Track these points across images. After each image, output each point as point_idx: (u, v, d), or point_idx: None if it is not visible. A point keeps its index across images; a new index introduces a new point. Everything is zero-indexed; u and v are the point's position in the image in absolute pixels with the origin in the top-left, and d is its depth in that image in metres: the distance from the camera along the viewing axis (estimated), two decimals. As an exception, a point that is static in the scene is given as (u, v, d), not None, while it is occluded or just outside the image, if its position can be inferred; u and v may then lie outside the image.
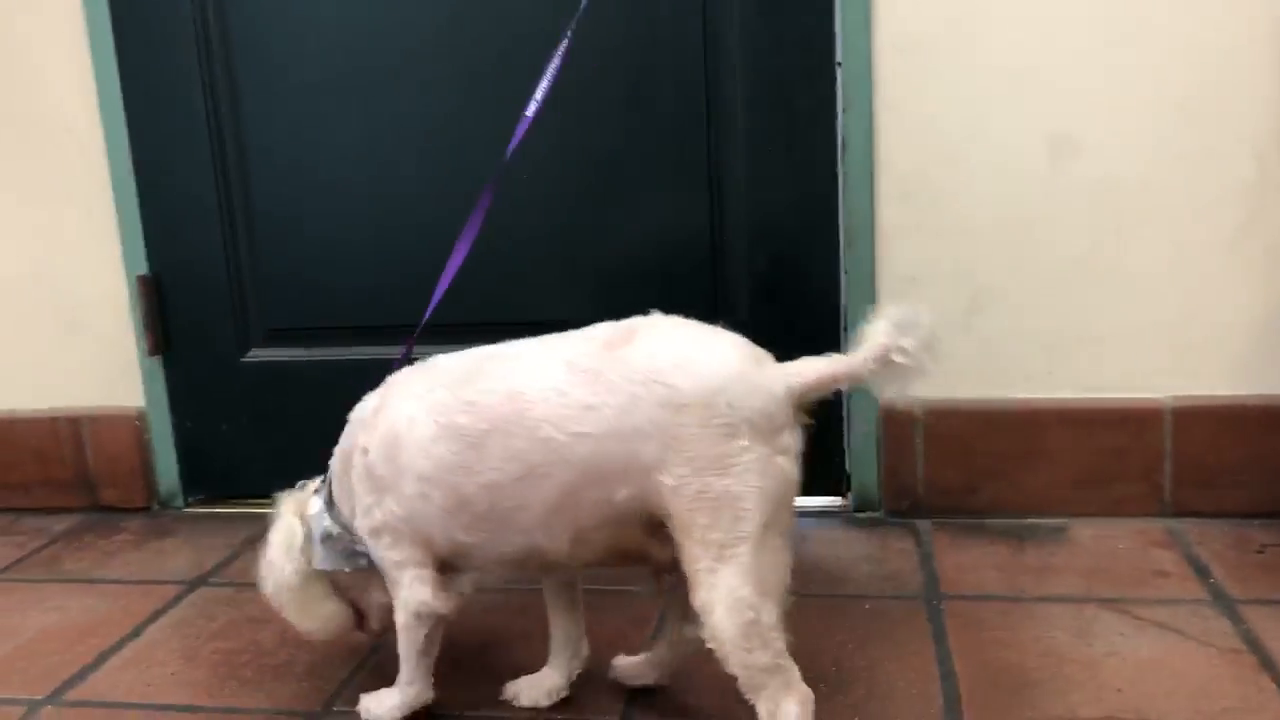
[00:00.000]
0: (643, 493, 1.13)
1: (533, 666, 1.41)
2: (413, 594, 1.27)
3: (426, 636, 1.30)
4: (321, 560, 1.34)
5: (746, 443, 1.10)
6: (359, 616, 1.41)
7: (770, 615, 1.13)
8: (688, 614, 1.19)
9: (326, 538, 1.34)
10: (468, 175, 1.94)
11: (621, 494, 1.14)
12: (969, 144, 1.79)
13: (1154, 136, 1.74)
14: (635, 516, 1.16)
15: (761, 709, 1.14)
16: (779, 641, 1.14)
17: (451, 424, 1.20)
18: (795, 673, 1.15)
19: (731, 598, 1.11)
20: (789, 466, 1.14)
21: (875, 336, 1.13)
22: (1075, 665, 1.41)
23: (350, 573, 1.35)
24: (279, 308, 2.06)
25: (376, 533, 1.28)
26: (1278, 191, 1.72)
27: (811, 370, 1.16)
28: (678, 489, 1.11)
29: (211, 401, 2.10)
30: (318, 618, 1.39)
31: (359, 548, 1.32)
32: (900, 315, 1.13)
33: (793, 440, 1.14)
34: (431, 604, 1.27)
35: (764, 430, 1.11)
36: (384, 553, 1.28)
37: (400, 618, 1.29)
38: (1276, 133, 1.71)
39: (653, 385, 1.12)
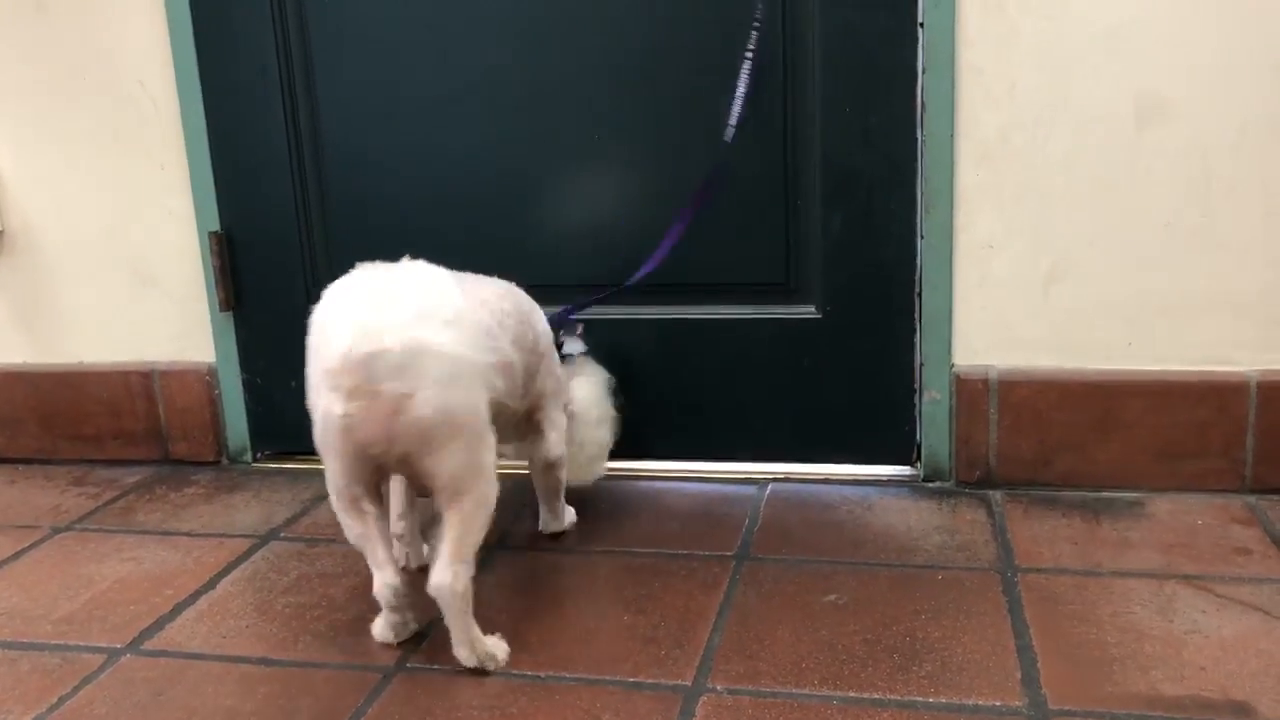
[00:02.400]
0: None
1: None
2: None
3: None
4: None
5: None
6: None
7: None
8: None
9: None
10: (545, 136, 1.93)
11: None
12: (1052, 107, 1.74)
13: (1246, 100, 1.68)
14: None
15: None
16: None
17: None
18: None
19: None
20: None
21: None
22: (1156, 642, 1.38)
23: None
24: (349, 265, 2.04)
25: None
26: (1378, 160, 1.67)
27: None
28: None
29: (281, 357, 2.11)
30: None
31: None
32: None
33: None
34: None
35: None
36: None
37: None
38: (1380, 98, 1.65)
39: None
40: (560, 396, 1.67)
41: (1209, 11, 1.67)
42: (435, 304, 1.33)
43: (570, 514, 1.80)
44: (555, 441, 1.66)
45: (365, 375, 1.25)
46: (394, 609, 1.44)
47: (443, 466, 1.31)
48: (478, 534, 1.36)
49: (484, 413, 1.35)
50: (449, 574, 1.33)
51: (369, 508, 1.38)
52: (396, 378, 1.25)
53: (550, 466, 1.68)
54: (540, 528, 1.77)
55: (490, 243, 1.98)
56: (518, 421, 1.59)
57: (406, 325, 1.27)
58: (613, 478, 1.96)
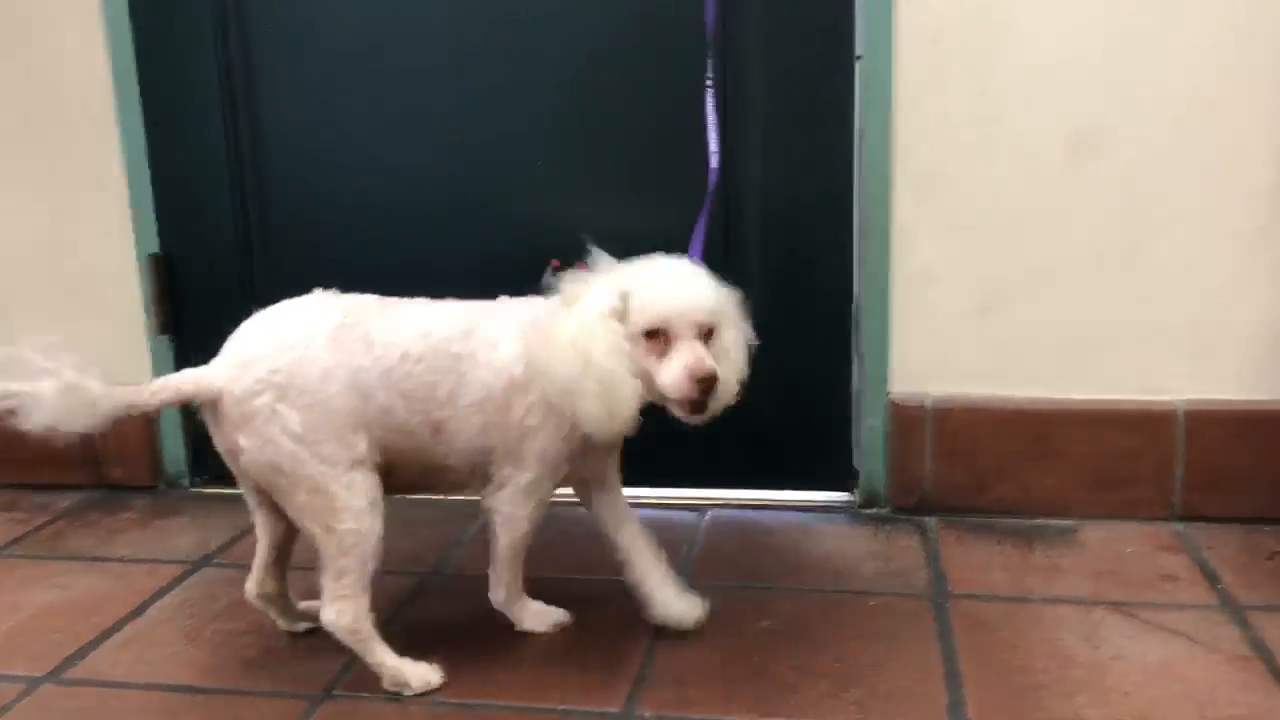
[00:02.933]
0: None
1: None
2: None
3: None
4: None
5: None
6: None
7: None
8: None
9: None
10: (482, 160, 1.94)
11: None
12: (988, 140, 1.77)
13: (1176, 137, 1.72)
14: None
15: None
16: None
17: None
18: None
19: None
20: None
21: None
22: (1081, 668, 1.39)
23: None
24: (290, 290, 2.03)
25: None
26: (1299, 195, 1.71)
27: None
28: None
29: (219, 382, 2.09)
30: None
31: None
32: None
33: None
34: None
35: None
36: None
37: None
38: (1299, 135, 1.69)
39: None
40: (522, 476, 1.44)
41: (1138, 48, 1.71)
42: (260, 350, 1.35)
43: (529, 609, 1.56)
44: (494, 494, 1.45)
45: (212, 417, 1.38)
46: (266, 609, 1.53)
47: (285, 506, 1.38)
48: (341, 571, 1.35)
49: (315, 459, 1.32)
50: (331, 612, 1.37)
51: (259, 520, 1.49)
52: (230, 423, 1.34)
53: (490, 516, 1.47)
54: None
55: (434, 266, 1.98)
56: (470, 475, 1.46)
57: (238, 367, 1.35)
58: (553, 504, 1.95)
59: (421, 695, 1.38)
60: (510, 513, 1.46)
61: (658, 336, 1.33)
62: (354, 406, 1.34)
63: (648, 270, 1.37)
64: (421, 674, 1.40)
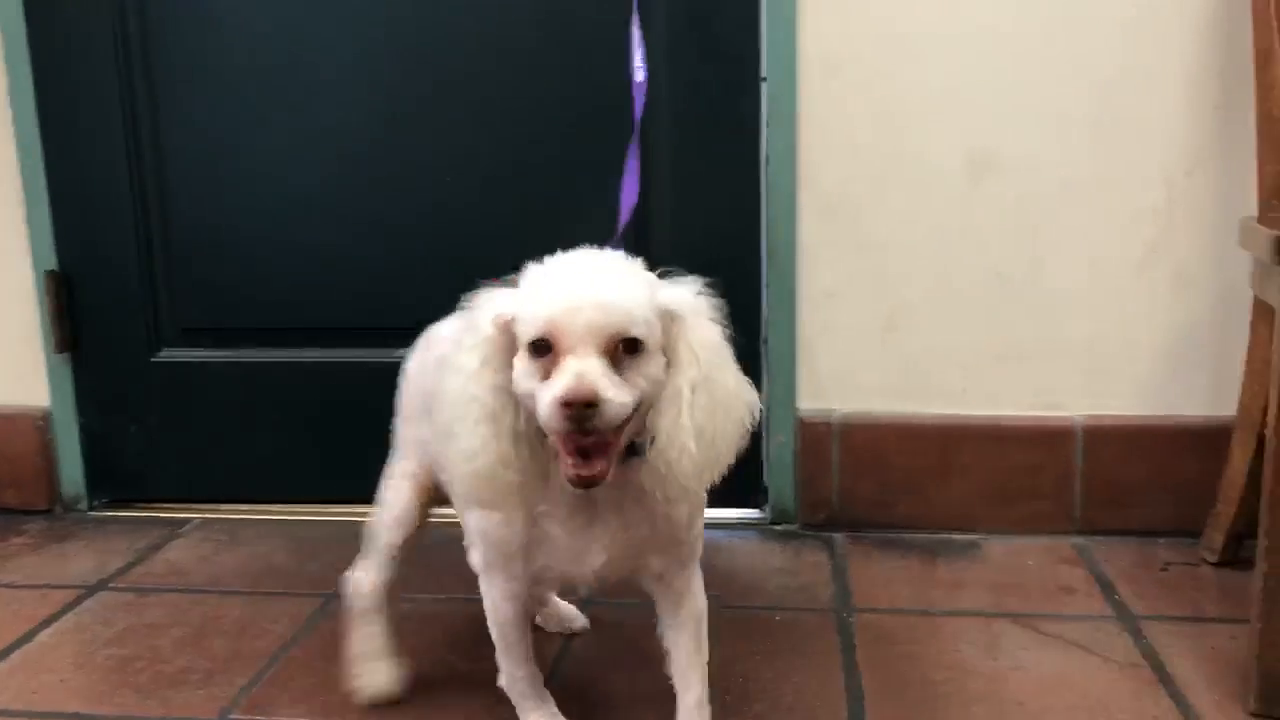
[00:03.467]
0: None
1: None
2: None
3: None
4: None
5: None
6: None
7: None
8: None
9: None
10: (388, 178, 1.92)
11: None
12: (890, 161, 1.80)
13: (1069, 158, 1.77)
14: None
15: None
16: None
17: None
18: None
19: None
20: None
21: None
22: (980, 679, 1.42)
23: None
24: (192, 307, 2.02)
25: None
26: (1185, 214, 1.76)
27: None
28: None
29: (120, 402, 2.04)
30: None
31: None
32: None
33: None
34: None
35: None
36: None
37: None
38: (1184, 157, 1.75)
39: None
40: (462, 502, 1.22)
41: (1032, 74, 1.76)
42: None
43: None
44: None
45: None
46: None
47: None
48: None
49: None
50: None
51: None
52: None
53: None
54: None
55: (339, 284, 1.96)
56: None
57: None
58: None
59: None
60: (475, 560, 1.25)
61: (545, 352, 0.99)
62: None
63: (547, 268, 1.05)
64: (377, 683, 1.38)
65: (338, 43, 1.89)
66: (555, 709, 1.30)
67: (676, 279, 1.09)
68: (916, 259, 1.83)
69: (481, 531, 1.17)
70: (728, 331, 1.09)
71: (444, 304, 1.92)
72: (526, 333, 1.01)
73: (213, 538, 1.93)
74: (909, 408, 1.87)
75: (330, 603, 1.66)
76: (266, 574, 1.78)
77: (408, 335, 1.92)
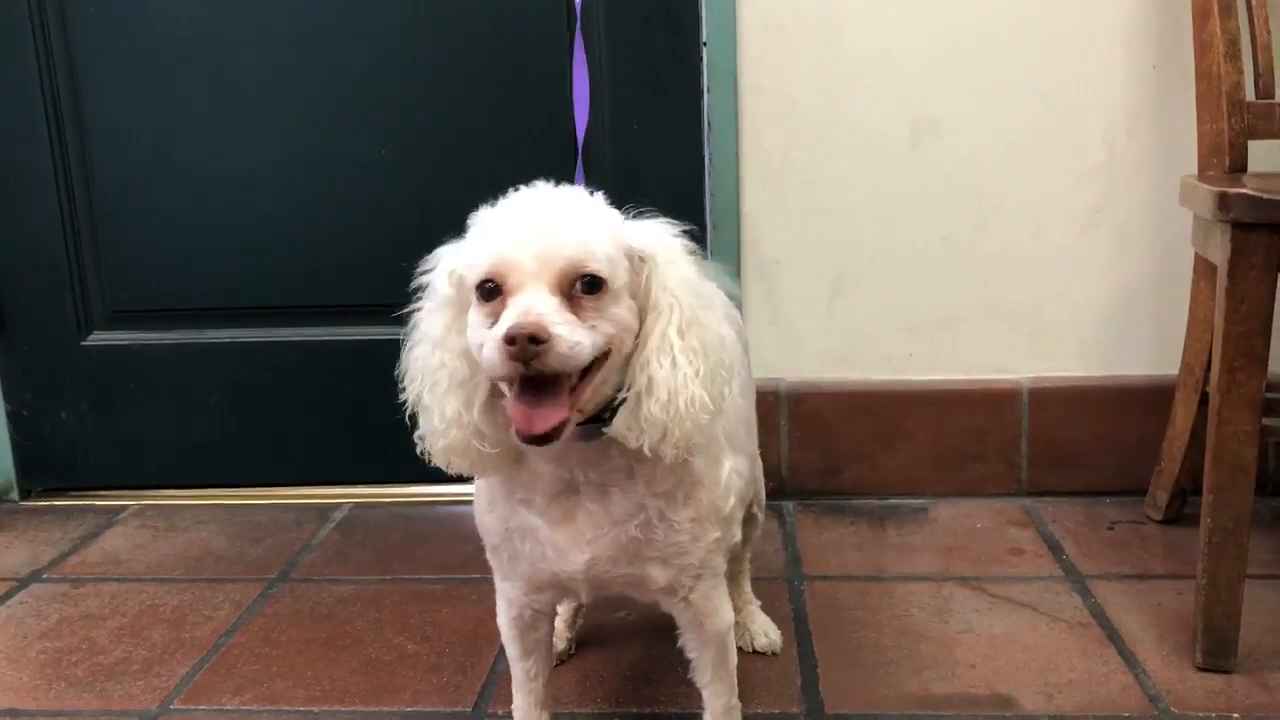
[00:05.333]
0: None
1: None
2: None
3: None
4: None
5: None
6: None
7: None
8: None
9: None
10: (321, 153, 1.87)
11: None
12: (833, 127, 1.79)
13: (1010, 121, 1.77)
14: None
15: None
16: None
17: None
18: None
19: None
20: None
21: None
22: (931, 643, 1.42)
23: None
24: (122, 289, 1.96)
25: None
26: (1126, 176, 1.77)
27: None
28: None
29: (50, 387, 1.98)
30: None
31: None
32: None
33: None
34: None
35: None
36: None
37: None
38: (1125, 119, 1.75)
39: None
40: None
41: (973, 37, 1.74)
42: None
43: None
44: None
45: None
46: None
47: None
48: None
49: None
50: None
51: None
52: None
53: None
54: None
55: (271, 265, 1.91)
56: None
57: None
58: (408, 503, 1.91)
59: (271, 708, 1.32)
60: None
61: (495, 295, 0.89)
62: None
63: (496, 207, 0.95)
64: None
65: (268, 16, 1.83)
66: None
67: (646, 218, 0.99)
68: (861, 225, 1.81)
69: (476, 521, 1.08)
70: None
71: (379, 281, 1.90)
72: (472, 277, 0.91)
73: (150, 524, 1.88)
74: (855, 375, 1.86)
75: (273, 587, 1.63)
76: (206, 560, 1.74)
77: (342, 314, 1.92)
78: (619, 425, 0.93)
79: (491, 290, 0.90)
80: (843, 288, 1.83)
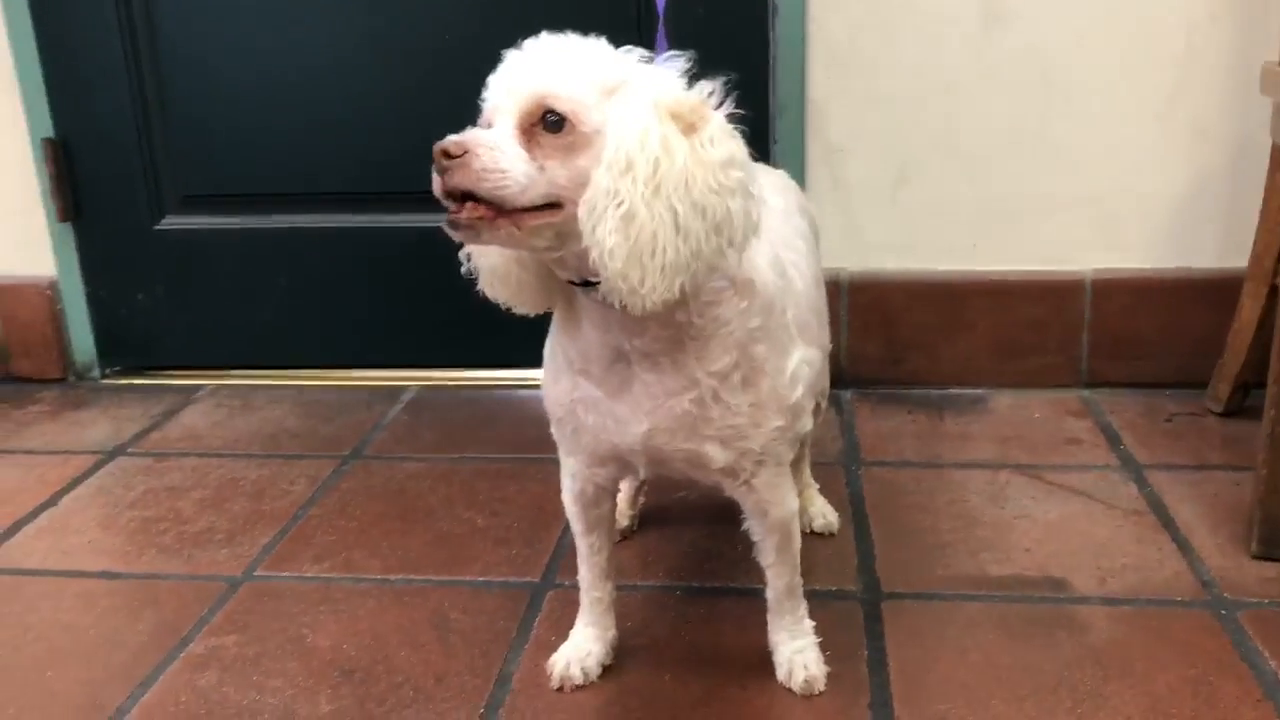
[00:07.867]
0: None
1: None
2: None
3: None
4: None
5: None
6: None
7: None
8: None
9: None
10: (386, 39, 1.88)
11: None
12: (900, 11, 1.75)
13: (1084, 7, 1.72)
14: None
15: None
16: None
17: None
18: None
19: None
20: None
21: None
22: (986, 527, 1.44)
23: None
24: (193, 174, 1.99)
25: None
26: (1203, 64, 1.72)
27: None
28: None
29: (125, 270, 2.04)
30: None
31: None
32: None
33: None
34: None
35: None
36: None
37: None
38: (1207, 3, 1.70)
39: None
40: None
41: (1049, -85, 1.69)
42: None
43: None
44: None
45: None
46: None
47: None
48: None
49: None
50: None
51: None
52: None
53: None
54: None
55: (336, 151, 1.93)
56: None
57: None
58: (474, 386, 1.96)
59: (349, 575, 1.39)
60: None
61: None
62: None
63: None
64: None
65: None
66: (602, 633, 1.19)
67: (671, 62, 0.94)
68: (927, 112, 1.79)
69: (543, 394, 1.11)
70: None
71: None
72: (481, 116, 0.93)
73: (225, 403, 1.95)
74: (918, 265, 1.86)
75: (346, 464, 1.69)
76: (281, 437, 1.80)
77: (406, 200, 1.93)
78: (604, 285, 0.90)
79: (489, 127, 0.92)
80: (907, 176, 1.82)
